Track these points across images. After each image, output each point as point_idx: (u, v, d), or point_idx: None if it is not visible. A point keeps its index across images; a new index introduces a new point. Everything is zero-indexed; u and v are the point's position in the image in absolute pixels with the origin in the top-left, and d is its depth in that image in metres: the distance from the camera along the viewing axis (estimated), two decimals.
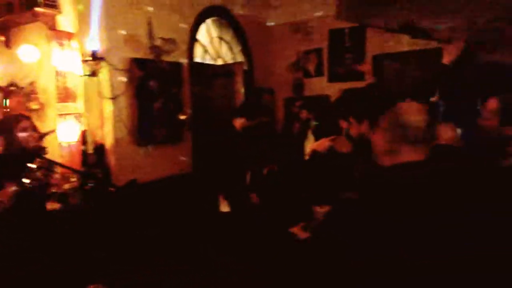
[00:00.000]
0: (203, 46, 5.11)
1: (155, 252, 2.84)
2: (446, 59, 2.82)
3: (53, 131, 3.27)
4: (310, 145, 2.48)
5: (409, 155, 1.30)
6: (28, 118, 2.46)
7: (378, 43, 5.27)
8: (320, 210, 1.93)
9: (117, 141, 3.74)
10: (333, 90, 5.57)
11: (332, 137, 2.35)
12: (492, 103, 2.55)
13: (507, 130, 2.20)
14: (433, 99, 4.70)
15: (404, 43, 4.96)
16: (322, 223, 1.62)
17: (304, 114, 4.87)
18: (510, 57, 4.06)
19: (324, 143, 2.39)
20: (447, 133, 2.50)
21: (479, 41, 4.07)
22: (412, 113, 1.34)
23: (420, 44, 4.69)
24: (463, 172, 1.28)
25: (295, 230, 2.65)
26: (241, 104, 4.57)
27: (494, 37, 4.04)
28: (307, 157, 2.53)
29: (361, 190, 1.37)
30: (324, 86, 5.77)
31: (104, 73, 3.66)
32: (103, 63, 3.63)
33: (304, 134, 4.71)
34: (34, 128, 2.41)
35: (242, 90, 4.77)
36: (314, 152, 2.31)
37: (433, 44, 4.74)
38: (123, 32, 3.80)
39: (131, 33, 3.87)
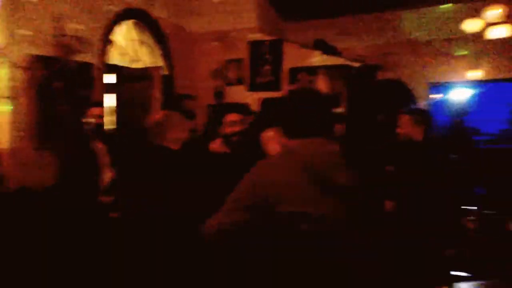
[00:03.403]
0: (121, 48, 4.95)
1: (43, 261, 2.66)
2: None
3: None
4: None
5: None
6: None
7: (294, 57, 5.53)
8: None
9: (13, 145, 3.46)
10: (253, 98, 5.73)
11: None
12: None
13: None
14: (338, 110, 5.04)
15: (317, 59, 5.26)
16: None
17: None
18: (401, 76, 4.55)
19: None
20: None
21: (378, 62, 4.51)
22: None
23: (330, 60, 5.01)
24: None
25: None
26: None
27: (390, 59, 4.48)
28: None
29: None
30: (244, 95, 5.89)
31: (1, 70, 3.39)
32: (0, 59, 3.36)
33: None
34: None
35: (159, 95, 4.69)
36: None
37: (341, 61, 5.12)
38: (25, 26, 3.54)
39: (35, 28, 3.62)
